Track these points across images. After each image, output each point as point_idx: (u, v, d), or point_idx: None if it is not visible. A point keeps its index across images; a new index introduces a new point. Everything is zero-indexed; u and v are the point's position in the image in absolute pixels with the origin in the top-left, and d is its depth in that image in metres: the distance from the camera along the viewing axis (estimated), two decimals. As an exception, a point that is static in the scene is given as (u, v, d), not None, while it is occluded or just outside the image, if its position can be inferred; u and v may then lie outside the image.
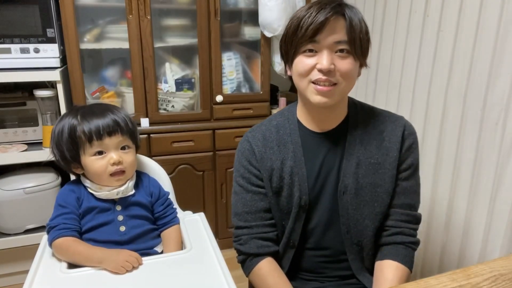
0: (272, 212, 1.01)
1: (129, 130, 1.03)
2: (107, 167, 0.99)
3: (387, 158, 0.96)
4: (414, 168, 0.99)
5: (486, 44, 1.24)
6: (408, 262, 0.96)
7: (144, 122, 1.93)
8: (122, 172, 1.02)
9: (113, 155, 1.00)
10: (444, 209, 1.45)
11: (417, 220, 1.00)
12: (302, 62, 0.89)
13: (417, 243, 0.99)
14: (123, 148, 1.03)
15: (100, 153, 1.00)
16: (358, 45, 0.88)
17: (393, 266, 0.94)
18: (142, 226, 1.05)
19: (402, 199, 0.97)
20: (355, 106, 1.01)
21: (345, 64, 0.88)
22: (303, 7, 0.91)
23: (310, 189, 0.97)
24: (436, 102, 1.46)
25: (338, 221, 0.98)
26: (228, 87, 2.06)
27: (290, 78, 0.98)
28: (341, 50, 0.88)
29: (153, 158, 1.37)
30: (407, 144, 0.97)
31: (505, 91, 1.19)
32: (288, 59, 0.94)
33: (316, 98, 0.89)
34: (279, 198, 0.99)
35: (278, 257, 1.02)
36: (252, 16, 2.03)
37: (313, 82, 0.89)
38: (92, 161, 0.99)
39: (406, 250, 0.96)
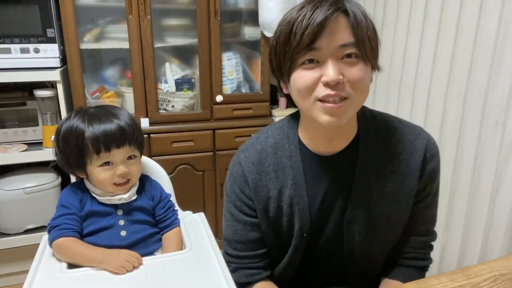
0: (266, 240, 0.91)
1: (136, 140, 1.02)
2: (113, 177, 0.99)
3: (404, 186, 0.82)
4: (435, 193, 0.87)
5: (486, 44, 1.24)
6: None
7: (144, 122, 1.93)
8: (128, 181, 1.02)
9: (121, 167, 0.99)
10: (444, 209, 1.45)
11: (433, 240, 0.93)
12: (302, 77, 0.72)
13: (429, 264, 0.93)
14: (129, 157, 1.02)
15: (107, 163, 0.99)
16: (367, 45, 0.71)
17: None
18: (144, 231, 1.05)
19: (420, 226, 0.88)
20: (366, 121, 0.85)
21: (356, 71, 0.71)
22: (293, 8, 0.74)
23: (312, 219, 0.85)
24: (436, 102, 1.46)
25: (342, 250, 0.88)
26: (228, 87, 2.06)
27: (286, 96, 0.83)
28: (349, 55, 0.71)
29: (153, 158, 1.37)
30: (429, 168, 0.83)
31: (505, 91, 1.19)
32: (282, 75, 0.77)
33: (325, 118, 0.73)
34: (277, 228, 0.88)
35: (273, 278, 0.95)
36: (252, 16, 2.03)
37: (320, 100, 0.72)
38: (98, 171, 0.98)
39: (418, 273, 0.90)
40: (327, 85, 0.70)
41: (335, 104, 0.71)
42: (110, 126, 0.97)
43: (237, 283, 0.87)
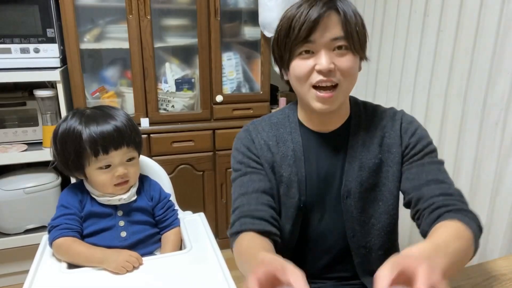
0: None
1: (134, 141, 1.02)
2: (112, 179, 0.98)
3: (389, 156, 0.92)
4: (430, 150, 0.89)
5: (486, 44, 1.24)
6: (468, 223, 0.73)
7: (144, 122, 1.93)
8: (127, 181, 1.01)
9: (119, 169, 0.98)
10: (444, 209, 1.45)
11: (459, 193, 0.83)
12: (299, 65, 0.84)
13: (473, 212, 0.78)
14: (128, 159, 1.02)
15: (106, 165, 0.98)
16: (355, 39, 0.83)
17: (448, 223, 0.74)
18: (144, 232, 1.05)
19: (424, 176, 0.86)
20: (358, 106, 0.97)
21: (345, 61, 0.83)
22: (293, 6, 0.85)
23: (309, 190, 0.93)
24: (436, 102, 1.46)
25: (342, 225, 0.95)
26: (228, 87, 2.06)
27: (287, 82, 0.94)
28: (339, 47, 0.82)
29: (153, 158, 1.37)
30: (409, 133, 0.91)
31: (505, 91, 1.19)
32: (283, 64, 0.89)
33: (317, 105, 0.85)
34: (277, 194, 0.94)
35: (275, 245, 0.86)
36: (252, 16, 2.03)
37: (314, 87, 0.84)
38: (97, 174, 0.98)
39: (460, 214, 0.76)
40: (320, 72, 0.82)
41: (327, 93, 0.83)
42: (107, 127, 0.96)
43: (231, 234, 0.86)
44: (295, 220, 0.94)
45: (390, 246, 0.98)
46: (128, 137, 0.99)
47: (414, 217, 0.86)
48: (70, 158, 0.97)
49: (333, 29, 0.81)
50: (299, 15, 0.81)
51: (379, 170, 0.92)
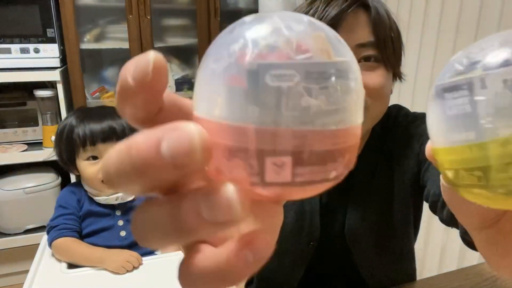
0: None
1: (127, 137, 1.03)
2: (98, 173, 0.99)
3: (395, 179, 0.73)
4: None
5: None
6: None
7: (144, 122, 1.93)
8: None
9: None
10: (444, 209, 1.45)
11: None
12: None
13: None
14: None
15: (94, 158, 0.99)
16: (390, 48, 0.61)
17: None
18: None
19: None
20: (377, 124, 0.72)
21: (375, 77, 0.61)
22: (302, 4, 0.65)
23: (316, 225, 0.75)
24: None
25: (354, 265, 0.77)
26: (228, 87, 2.06)
27: None
28: (367, 58, 0.61)
29: (153, 158, 1.38)
30: (417, 135, 0.72)
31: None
32: None
33: None
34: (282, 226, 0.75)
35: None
36: (252, 16, 2.04)
37: None
38: (85, 166, 0.99)
39: None
40: None
41: None
42: (99, 122, 1.00)
43: None
44: (303, 260, 0.76)
45: (410, 274, 0.84)
46: (120, 132, 0.99)
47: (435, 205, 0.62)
48: (63, 150, 1.00)
49: (360, 31, 0.60)
50: (312, 12, 0.60)
51: (387, 202, 0.74)
